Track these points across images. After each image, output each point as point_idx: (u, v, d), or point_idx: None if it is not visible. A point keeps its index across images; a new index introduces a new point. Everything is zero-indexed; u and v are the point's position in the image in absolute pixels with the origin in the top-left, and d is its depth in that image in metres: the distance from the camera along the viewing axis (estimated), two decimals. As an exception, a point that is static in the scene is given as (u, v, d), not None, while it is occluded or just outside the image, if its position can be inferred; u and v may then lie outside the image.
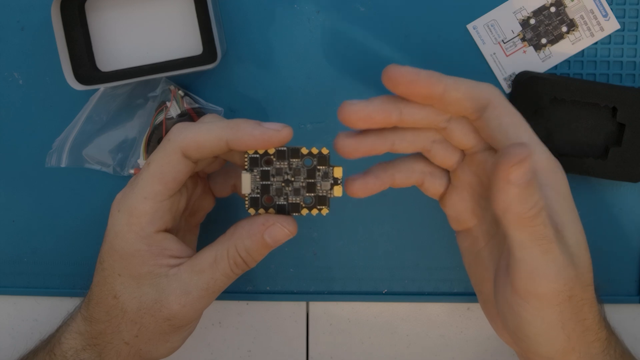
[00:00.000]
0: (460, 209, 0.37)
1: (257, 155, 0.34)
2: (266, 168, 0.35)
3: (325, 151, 0.35)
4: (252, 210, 0.35)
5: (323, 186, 0.35)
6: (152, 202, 0.35)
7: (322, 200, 0.35)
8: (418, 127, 0.35)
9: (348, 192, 0.35)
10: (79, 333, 0.38)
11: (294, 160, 0.35)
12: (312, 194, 0.35)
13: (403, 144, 0.35)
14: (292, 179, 0.35)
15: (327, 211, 0.35)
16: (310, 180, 0.35)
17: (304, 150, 0.35)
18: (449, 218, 0.38)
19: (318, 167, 0.35)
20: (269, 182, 0.35)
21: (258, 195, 0.35)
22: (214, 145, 0.34)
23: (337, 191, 0.35)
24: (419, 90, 0.32)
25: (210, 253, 0.36)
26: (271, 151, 0.34)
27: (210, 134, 0.34)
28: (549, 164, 0.34)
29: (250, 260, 0.36)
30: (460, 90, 0.33)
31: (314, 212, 0.35)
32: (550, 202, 0.33)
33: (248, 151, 0.34)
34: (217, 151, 0.34)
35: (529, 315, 0.32)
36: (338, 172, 0.35)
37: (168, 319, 0.36)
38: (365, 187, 0.35)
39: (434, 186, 0.37)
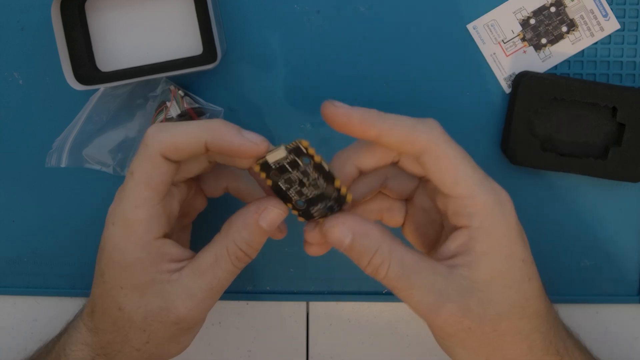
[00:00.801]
0: (420, 235, 0.38)
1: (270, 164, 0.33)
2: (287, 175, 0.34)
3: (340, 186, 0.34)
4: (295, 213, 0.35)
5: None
6: (145, 209, 0.34)
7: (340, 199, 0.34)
8: (372, 170, 0.36)
9: (305, 249, 0.36)
10: (85, 344, 0.38)
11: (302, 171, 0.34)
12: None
13: (360, 192, 0.36)
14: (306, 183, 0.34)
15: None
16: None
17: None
18: (412, 244, 0.39)
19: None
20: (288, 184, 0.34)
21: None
22: (193, 147, 0.34)
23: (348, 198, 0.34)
24: (353, 131, 0.33)
25: (210, 253, 0.36)
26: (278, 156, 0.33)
27: (187, 136, 0.33)
28: (485, 207, 0.33)
29: (251, 250, 0.36)
30: (394, 136, 0.32)
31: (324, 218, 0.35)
32: (474, 243, 0.33)
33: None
34: (197, 152, 0.34)
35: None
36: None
37: (176, 323, 0.36)
38: (321, 244, 0.36)
39: (393, 219, 0.38)
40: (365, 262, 0.34)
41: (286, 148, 0.32)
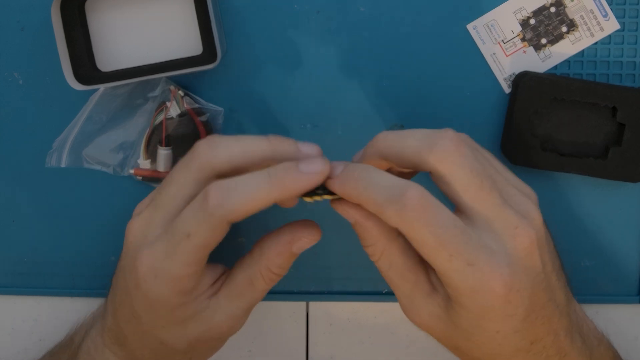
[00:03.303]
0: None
1: None
2: None
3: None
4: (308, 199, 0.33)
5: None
6: (195, 267, 0.33)
7: None
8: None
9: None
10: None
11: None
12: None
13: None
14: None
15: None
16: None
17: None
18: None
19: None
20: None
21: None
22: (263, 208, 0.32)
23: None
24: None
25: (243, 276, 0.36)
26: None
27: (257, 202, 0.31)
28: (463, 290, 0.31)
29: (283, 272, 0.36)
30: (371, 209, 0.32)
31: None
32: (451, 301, 0.33)
33: None
34: (265, 208, 0.32)
35: None
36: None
37: (219, 338, 0.37)
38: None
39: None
40: (362, 243, 0.35)
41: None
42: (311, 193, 0.33)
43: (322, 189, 0.33)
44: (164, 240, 0.33)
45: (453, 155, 0.32)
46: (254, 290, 0.36)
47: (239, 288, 0.36)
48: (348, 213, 0.33)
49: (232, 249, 0.41)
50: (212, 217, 0.31)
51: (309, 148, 0.34)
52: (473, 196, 0.32)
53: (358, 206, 0.33)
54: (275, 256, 0.35)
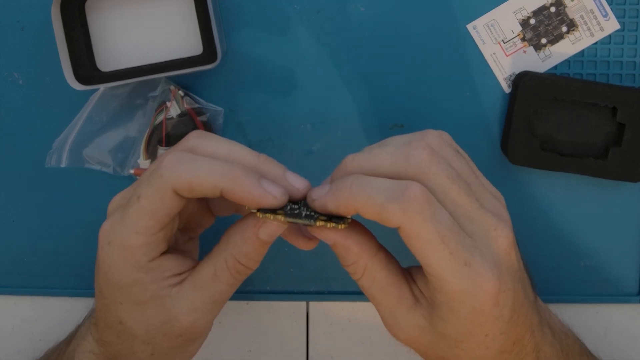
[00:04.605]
0: None
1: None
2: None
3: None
4: (259, 214, 0.32)
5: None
6: (145, 237, 0.33)
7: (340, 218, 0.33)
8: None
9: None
10: (93, 353, 0.38)
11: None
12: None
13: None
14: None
15: (344, 226, 0.33)
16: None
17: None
18: None
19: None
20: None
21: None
22: (207, 191, 0.32)
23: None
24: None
25: (209, 266, 0.35)
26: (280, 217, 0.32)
27: (205, 179, 0.31)
28: (452, 293, 0.31)
29: (251, 263, 0.35)
30: (368, 214, 0.31)
31: (330, 225, 0.32)
32: (437, 308, 0.33)
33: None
34: (210, 195, 0.32)
35: None
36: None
37: (180, 335, 0.35)
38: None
39: None
40: (342, 263, 0.35)
41: (286, 216, 0.32)
42: (295, 216, 0.32)
43: (312, 212, 0.32)
44: (121, 207, 0.34)
45: (428, 164, 0.32)
46: (218, 283, 0.34)
47: (204, 279, 0.34)
48: (327, 235, 0.33)
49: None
50: (161, 179, 0.32)
51: (295, 179, 0.33)
52: (453, 201, 0.32)
53: (333, 228, 0.33)
54: (241, 242, 0.33)
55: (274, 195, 0.32)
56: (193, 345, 0.38)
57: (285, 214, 0.32)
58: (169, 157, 0.32)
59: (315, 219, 0.32)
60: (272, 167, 0.33)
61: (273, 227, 0.33)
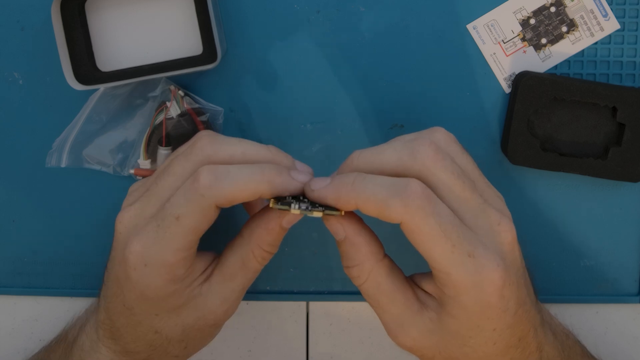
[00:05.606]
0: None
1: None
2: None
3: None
4: (276, 206, 0.33)
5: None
6: (184, 252, 0.33)
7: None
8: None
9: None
10: None
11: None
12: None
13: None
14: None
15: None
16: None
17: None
18: None
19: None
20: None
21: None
22: (248, 198, 0.32)
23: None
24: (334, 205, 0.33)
25: (235, 257, 0.36)
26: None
27: (247, 189, 0.32)
28: (458, 286, 0.31)
29: (274, 248, 0.36)
30: (370, 210, 0.31)
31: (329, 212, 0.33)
32: (445, 304, 0.33)
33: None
34: (248, 200, 0.33)
35: None
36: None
37: (213, 324, 0.37)
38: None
39: None
40: (345, 265, 0.35)
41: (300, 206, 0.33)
42: (300, 207, 0.33)
43: (311, 204, 0.33)
44: (154, 225, 0.33)
45: (433, 160, 0.32)
46: (247, 271, 0.36)
47: (232, 270, 0.36)
48: (340, 227, 0.33)
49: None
50: (202, 198, 0.32)
51: (303, 166, 0.35)
52: (457, 196, 0.32)
53: (350, 220, 0.33)
54: (266, 234, 0.35)
55: (303, 183, 0.33)
56: (218, 329, 0.39)
57: (298, 206, 0.33)
58: (205, 174, 0.32)
59: (316, 208, 0.33)
60: (283, 158, 0.35)
61: (293, 217, 0.35)
